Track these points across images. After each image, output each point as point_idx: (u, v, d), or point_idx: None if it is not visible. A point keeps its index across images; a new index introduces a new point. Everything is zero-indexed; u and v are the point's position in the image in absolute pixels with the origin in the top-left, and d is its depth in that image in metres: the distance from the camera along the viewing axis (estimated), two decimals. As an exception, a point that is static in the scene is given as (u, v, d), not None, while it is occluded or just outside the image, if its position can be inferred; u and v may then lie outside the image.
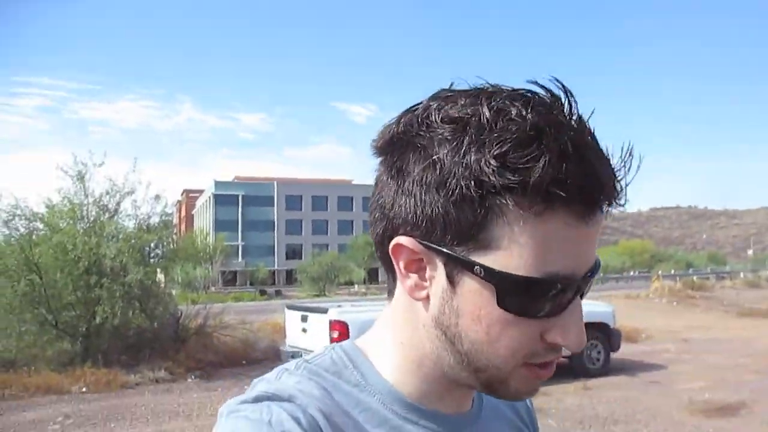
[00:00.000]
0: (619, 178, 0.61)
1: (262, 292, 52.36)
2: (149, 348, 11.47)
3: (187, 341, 12.10)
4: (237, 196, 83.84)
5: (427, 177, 0.61)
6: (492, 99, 0.60)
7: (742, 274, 50.26)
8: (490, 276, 0.60)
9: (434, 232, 0.62)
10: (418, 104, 0.66)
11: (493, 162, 0.57)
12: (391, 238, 0.65)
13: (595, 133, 0.61)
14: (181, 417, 8.05)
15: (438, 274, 0.64)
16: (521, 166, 0.56)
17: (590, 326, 10.12)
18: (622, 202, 0.62)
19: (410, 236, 0.63)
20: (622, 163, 0.61)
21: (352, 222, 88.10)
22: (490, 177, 0.57)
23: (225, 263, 65.40)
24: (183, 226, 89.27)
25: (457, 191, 0.59)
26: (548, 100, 0.61)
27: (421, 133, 0.63)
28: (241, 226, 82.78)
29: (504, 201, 0.58)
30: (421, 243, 0.63)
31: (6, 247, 11.67)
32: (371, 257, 67.60)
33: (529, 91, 0.61)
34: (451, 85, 0.66)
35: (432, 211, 0.61)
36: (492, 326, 0.62)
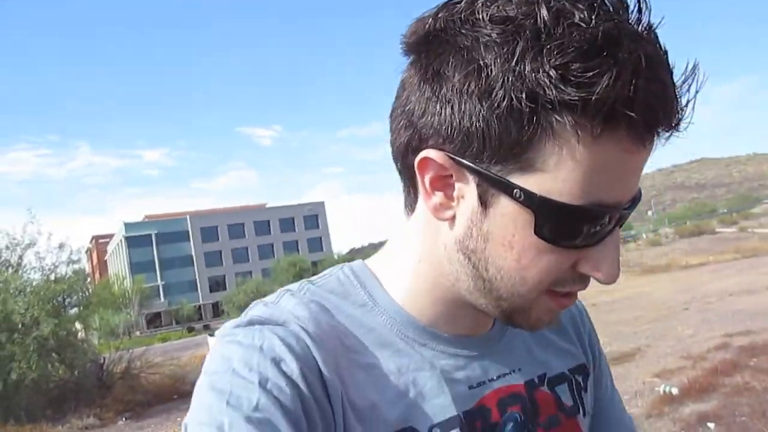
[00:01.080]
0: (681, 100, 0.54)
1: (190, 329, 51.34)
2: (74, 398, 11.30)
3: (113, 386, 11.97)
4: (150, 235, 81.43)
5: (470, 84, 0.54)
6: (555, 4, 0.52)
7: (644, 235, 52.97)
8: (529, 201, 0.55)
9: (470, 147, 0.55)
10: (459, 1, 0.58)
11: (552, 73, 0.50)
12: (418, 150, 0.59)
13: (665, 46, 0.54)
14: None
15: (468, 193, 0.58)
16: (585, 80, 0.50)
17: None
18: (681, 126, 0.56)
19: (441, 150, 0.57)
20: (685, 83, 0.54)
21: (272, 245, 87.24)
22: (547, 90, 0.51)
23: (147, 305, 63.35)
24: (97, 273, 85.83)
25: (505, 103, 0.52)
26: (616, 5, 0.53)
27: (465, 32, 0.55)
28: (158, 266, 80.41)
29: (559, 119, 0.52)
30: (453, 158, 0.57)
31: None
32: (296, 278, 66.91)
33: None
34: None
35: (471, 123, 0.54)
36: (524, 254, 0.57)
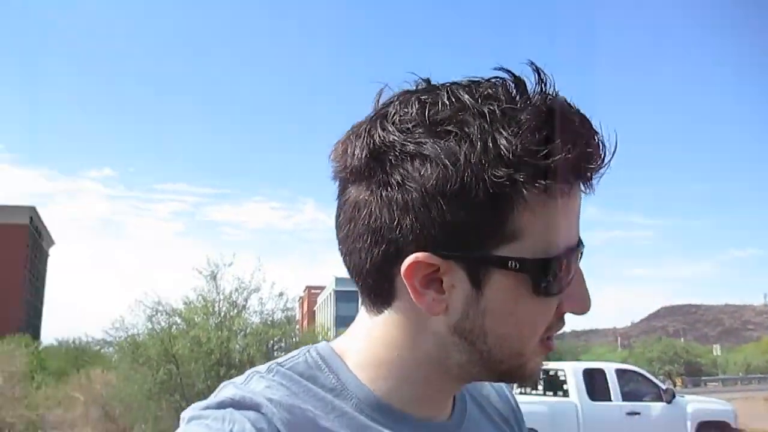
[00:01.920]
0: (603, 152, 0.61)
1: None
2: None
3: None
4: (356, 292, 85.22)
5: (441, 185, 0.57)
6: (474, 90, 0.59)
7: None
8: (524, 266, 0.59)
9: (455, 240, 0.58)
10: (376, 118, 0.62)
11: (518, 151, 0.56)
12: (398, 259, 0.60)
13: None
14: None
15: (459, 281, 0.60)
16: (550, 151, 0.56)
17: (709, 425, 9.78)
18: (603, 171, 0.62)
19: (426, 251, 0.59)
20: (608, 140, 0.61)
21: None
22: (519, 167, 0.56)
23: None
24: (305, 322, 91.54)
25: (480, 191, 0.56)
26: (529, 84, 0.60)
27: (413, 140, 0.59)
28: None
29: (528, 189, 0.57)
30: (440, 255, 0.59)
31: (149, 339, 12.97)
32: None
33: (498, 77, 0.61)
34: (379, 93, 0.65)
35: (453, 218, 0.57)
36: (523, 317, 0.61)
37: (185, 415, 0.60)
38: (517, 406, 0.87)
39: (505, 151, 0.56)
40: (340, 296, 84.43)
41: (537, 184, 0.57)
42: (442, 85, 0.62)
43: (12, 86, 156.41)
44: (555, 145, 0.56)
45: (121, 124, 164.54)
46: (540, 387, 9.89)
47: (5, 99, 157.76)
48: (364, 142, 0.61)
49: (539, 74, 0.60)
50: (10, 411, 11.04)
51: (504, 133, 0.56)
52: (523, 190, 0.57)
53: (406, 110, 0.61)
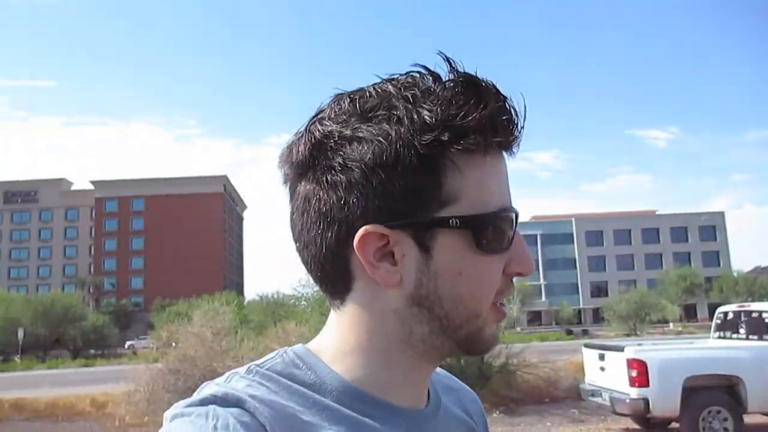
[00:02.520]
0: (522, 124, 0.68)
1: (568, 332, 51.39)
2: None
3: (491, 378, 12.66)
4: (535, 235, 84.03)
5: (378, 158, 0.63)
6: (396, 82, 0.67)
7: None
8: (463, 223, 0.64)
9: (398, 208, 0.64)
10: (318, 114, 0.70)
11: (439, 117, 0.63)
12: (349, 238, 0.65)
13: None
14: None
15: (408, 249, 0.65)
16: (466, 112, 0.63)
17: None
18: (521, 140, 0.70)
19: (373, 223, 0.64)
20: (519, 111, 0.68)
21: (660, 255, 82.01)
22: (442, 131, 0.63)
23: (528, 303, 65.70)
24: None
25: (413, 157, 0.63)
26: (443, 72, 0.67)
27: (349, 127, 0.66)
28: (541, 265, 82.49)
29: (454, 150, 0.64)
30: (387, 225, 0.64)
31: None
32: (686, 292, 62.04)
33: (413, 71, 0.69)
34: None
35: (393, 187, 0.63)
36: (471, 274, 0.65)
37: (168, 414, 0.61)
38: (487, 425, 0.90)
39: (429, 119, 0.63)
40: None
41: (461, 144, 0.64)
42: (368, 86, 0.69)
43: (201, 66, 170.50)
44: (469, 107, 0.63)
45: (293, 92, 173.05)
46: (742, 330, 8.99)
47: (196, 78, 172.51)
48: (306, 138, 0.68)
49: (449, 62, 0.66)
50: (220, 362, 12.26)
51: (425, 106, 0.64)
52: (450, 152, 0.64)
53: (339, 106, 0.68)
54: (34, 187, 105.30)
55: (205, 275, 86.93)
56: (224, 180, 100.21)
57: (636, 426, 9.17)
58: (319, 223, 0.67)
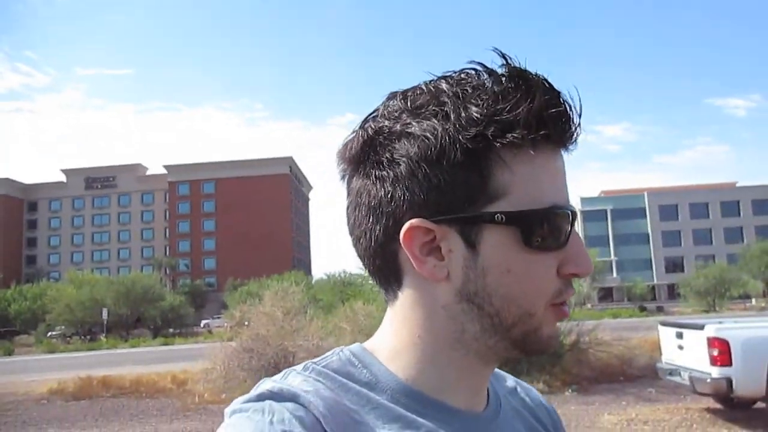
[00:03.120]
0: (579, 119, 0.67)
1: (642, 308, 50.15)
2: (527, 360, 12.13)
3: (562, 356, 12.46)
4: (605, 210, 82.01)
5: (424, 153, 0.64)
6: (449, 78, 0.67)
7: None
8: (510, 219, 0.63)
9: (444, 203, 0.64)
10: (373, 112, 0.71)
11: (485, 112, 0.63)
12: (396, 233, 0.66)
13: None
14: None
15: (455, 244, 0.65)
16: (512, 106, 0.62)
17: None
18: (578, 137, 0.68)
19: (419, 217, 0.65)
20: (575, 107, 0.66)
21: (740, 229, 78.59)
22: (487, 125, 0.62)
23: (599, 279, 64.35)
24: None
25: (459, 153, 0.63)
26: (498, 68, 0.66)
27: (399, 123, 0.66)
28: (612, 241, 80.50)
29: (502, 147, 0.63)
30: (432, 220, 0.65)
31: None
32: (769, 267, 59.34)
33: (469, 67, 0.68)
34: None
35: (438, 182, 0.63)
36: (520, 271, 0.64)
37: (227, 410, 0.63)
38: (559, 419, 0.87)
39: (475, 115, 0.63)
40: (588, 216, 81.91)
41: (507, 139, 0.63)
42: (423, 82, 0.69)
43: (266, 50, 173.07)
44: (516, 101, 0.63)
45: (359, 69, 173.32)
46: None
47: (262, 63, 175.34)
48: (360, 135, 0.69)
49: (504, 57, 0.66)
50: (291, 341, 12.53)
51: (474, 101, 0.64)
52: (497, 146, 0.63)
53: (392, 103, 0.69)
54: (112, 173, 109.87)
55: (274, 255, 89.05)
56: (290, 161, 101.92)
57: (718, 406, 8.84)
58: (369, 217, 0.68)
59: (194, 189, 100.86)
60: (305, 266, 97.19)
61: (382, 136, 0.67)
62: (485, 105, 0.63)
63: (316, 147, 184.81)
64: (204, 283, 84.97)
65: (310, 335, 12.60)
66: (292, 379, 0.66)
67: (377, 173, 0.67)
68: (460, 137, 0.63)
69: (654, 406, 9.32)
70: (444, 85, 0.66)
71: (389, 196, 0.66)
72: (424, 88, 0.68)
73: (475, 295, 0.65)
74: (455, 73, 0.68)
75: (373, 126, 0.69)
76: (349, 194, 0.72)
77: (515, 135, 0.62)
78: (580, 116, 0.66)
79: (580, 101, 0.66)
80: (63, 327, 46.12)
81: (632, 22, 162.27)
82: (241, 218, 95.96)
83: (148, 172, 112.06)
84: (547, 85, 0.64)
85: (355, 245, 0.72)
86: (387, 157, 0.66)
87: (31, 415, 11.15)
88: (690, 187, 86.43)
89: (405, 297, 0.70)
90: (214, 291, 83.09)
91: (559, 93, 0.65)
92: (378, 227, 0.67)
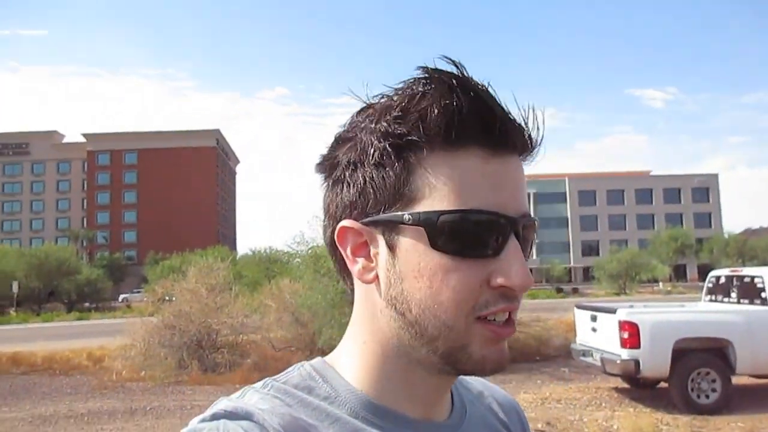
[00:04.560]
0: (525, 126, 0.65)
1: (559, 290, 51.95)
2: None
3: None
4: (528, 194, 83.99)
5: (351, 157, 0.66)
6: (397, 89, 0.67)
7: None
8: (417, 220, 0.62)
9: (368, 204, 0.65)
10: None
11: (396, 116, 0.63)
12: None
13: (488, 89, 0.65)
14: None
15: (380, 247, 0.65)
16: (420, 109, 0.62)
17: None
18: (534, 151, 0.67)
19: (349, 218, 0.67)
20: (525, 115, 0.65)
21: (652, 216, 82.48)
22: (397, 129, 0.63)
23: (520, 261, 66.01)
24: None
25: (375, 155, 0.64)
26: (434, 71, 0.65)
27: (351, 129, 0.69)
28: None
29: (415, 147, 0.63)
30: (361, 222, 0.66)
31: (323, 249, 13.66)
32: (677, 252, 62.57)
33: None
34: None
35: (362, 184, 0.65)
36: (433, 277, 0.62)
37: (183, 430, 0.62)
38: (524, 416, 0.88)
39: (390, 119, 0.64)
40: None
41: (415, 140, 0.62)
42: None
43: (193, 18, 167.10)
44: (425, 105, 0.62)
45: (293, 45, 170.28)
46: (733, 295, 9.09)
47: (189, 31, 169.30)
48: (328, 144, 0.73)
49: (453, 63, 0.64)
50: (215, 318, 12.36)
51: (394, 107, 0.64)
52: (416, 149, 0.63)
53: (357, 112, 0.70)
54: (25, 140, 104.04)
55: (197, 229, 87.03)
56: (217, 134, 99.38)
57: (625, 385, 9.35)
58: (324, 218, 0.72)
59: (115, 159, 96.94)
60: (230, 241, 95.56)
61: (334, 142, 0.71)
62: (399, 109, 0.64)
63: (245, 120, 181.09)
64: (123, 257, 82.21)
65: (234, 312, 12.49)
66: (249, 396, 0.66)
67: (326, 178, 0.71)
68: (378, 141, 0.64)
69: (567, 386, 9.77)
70: (394, 95, 0.67)
71: (330, 199, 0.70)
72: (378, 99, 0.69)
73: (396, 299, 0.65)
74: (404, 82, 0.68)
75: (336, 134, 0.72)
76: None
77: (423, 136, 0.63)
78: (526, 123, 0.65)
79: (527, 109, 0.66)
80: (-32, 300, 43.76)
81: (560, 13, 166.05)
82: (164, 191, 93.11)
83: (65, 140, 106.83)
84: (462, 88, 0.62)
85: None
86: (332, 162, 0.70)
87: (-67, 393, 10.57)
88: (608, 174, 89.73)
89: (356, 298, 0.71)
90: (134, 264, 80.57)
91: (484, 95, 0.63)
92: (329, 229, 0.71)
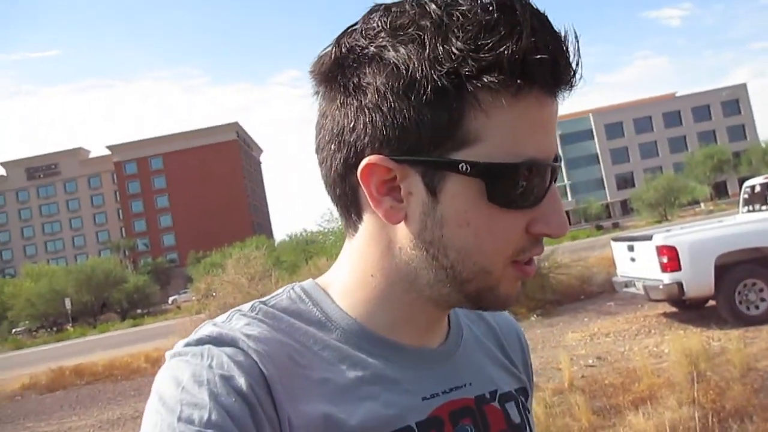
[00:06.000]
0: (577, 64, 0.59)
1: (598, 227, 51.49)
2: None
3: (524, 284, 12.73)
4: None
5: (392, 84, 0.57)
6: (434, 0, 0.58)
7: None
8: (476, 170, 0.57)
9: (408, 142, 0.58)
10: (352, 25, 0.63)
11: (462, 47, 0.55)
12: (357, 164, 0.61)
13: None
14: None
15: (415, 187, 0.60)
16: (494, 44, 0.55)
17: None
18: (576, 81, 0.60)
19: (380, 154, 0.60)
20: (576, 44, 0.59)
21: (684, 138, 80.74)
22: (461, 64, 0.55)
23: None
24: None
25: (429, 89, 0.56)
26: None
27: (375, 44, 0.59)
28: (564, 166, 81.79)
29: (479, 87, 0.56)
30: (394, 159, 0.59)
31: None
32: (714, 170, 61.29)
33: None
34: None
35: (403, 118, 0.57)
36: (480, 226, 0.59)
37: (168, 353, 0.62)
38: (529, 356, 0.87)
39: (453, 49, 0.55)
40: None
41: (484, 81, 0.56)
42: None
43: (194, 11, 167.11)
44: (501, 39, 0.55)
45: (296, 25, 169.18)
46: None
47: (193, 25, 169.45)
48: (333, 49, 0.63)
49: None
50: (259, 305, 12.54)
51: (455, 32, 0.56)
52: (472, 88, 0.56)
53: (372, 18, 0.61)
54: (53, 160, 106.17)
55: (232, 223, 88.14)
56: (236, 127, 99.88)
57: (673, 309, 9.28)
58: (332, 144, 0.64)
59: (142, 166, 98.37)
60: (266, 230, 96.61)
61: (353, 56, 0.61)
62: (465, 38, 0.55)
63: (262, 108, 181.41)
64: (166, 260, 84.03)
65: (276, 297, 12.69)
66: (236, 321, 0.64)
67: (342, 98, 0.62)
68: (433, 72, 0.56)
69: (614, 319, 9.73)
70: (431, 7, 0.58)
71: (352, 125, 0.61)
72: (408, 6, 0.60)
73: (430, 244, 0.61)
74: None
75: (347, 43, 0.62)
76: (318, 111, 0.67)
77: (494, 78, 0.55)
78: (578, 62, 0.59)
79: (577, 42, 0.58)
80: (27, 322, 45.29)
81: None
82: (194, 190, 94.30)
83: (91, 155, 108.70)
84: (537, 23, 0.56)
85: (319, 165, 0.67)
86: (354, 82, 0.60)
87: (6, 412, 11.03)
88: (632, 103, 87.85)
89: (363, 232, 0.66)
90: (177, 266, 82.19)
91: (551, 32, 0.57)
92: (339, 156, 0.63)
